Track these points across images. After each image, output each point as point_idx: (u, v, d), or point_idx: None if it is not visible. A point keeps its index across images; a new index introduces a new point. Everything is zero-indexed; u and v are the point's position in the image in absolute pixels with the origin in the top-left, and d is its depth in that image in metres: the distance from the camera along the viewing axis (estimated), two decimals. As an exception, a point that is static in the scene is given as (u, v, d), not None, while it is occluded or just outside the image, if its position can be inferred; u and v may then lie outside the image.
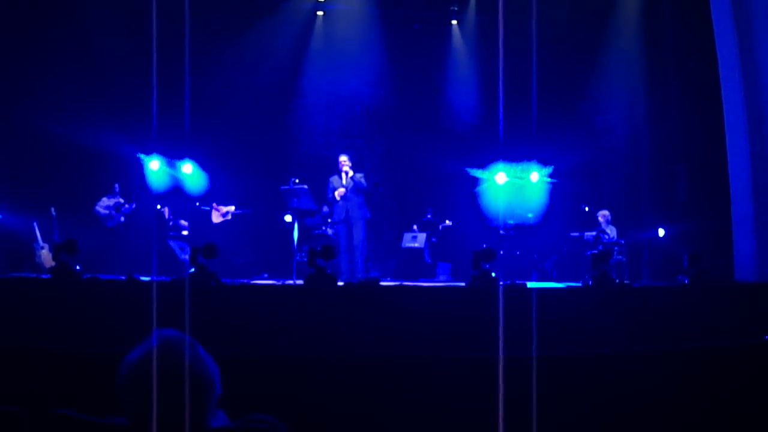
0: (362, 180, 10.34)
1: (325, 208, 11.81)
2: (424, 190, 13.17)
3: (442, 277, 11.91)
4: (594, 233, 11.34)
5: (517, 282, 8.25)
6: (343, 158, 10.52)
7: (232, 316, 5.66)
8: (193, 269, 7.32)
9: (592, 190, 12.53)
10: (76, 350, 3.48)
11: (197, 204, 12.04)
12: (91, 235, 10.38)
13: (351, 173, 10.34)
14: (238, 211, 12.00)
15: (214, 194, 12.07)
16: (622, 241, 11.30)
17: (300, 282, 8.60)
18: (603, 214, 11.49)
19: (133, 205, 11.32)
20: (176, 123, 9.83)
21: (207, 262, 7.27)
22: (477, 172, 12.49)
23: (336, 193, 10.33)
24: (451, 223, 12.64)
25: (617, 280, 9.11)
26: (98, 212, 11.31)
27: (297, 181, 10.40)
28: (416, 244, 12.14)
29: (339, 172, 10.41)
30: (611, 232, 11.36)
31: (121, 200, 11.36)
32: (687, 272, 7.91)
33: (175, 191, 11.99)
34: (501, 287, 7.28)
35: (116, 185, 11.42)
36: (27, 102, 11.21)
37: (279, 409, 2.18)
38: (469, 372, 3.41)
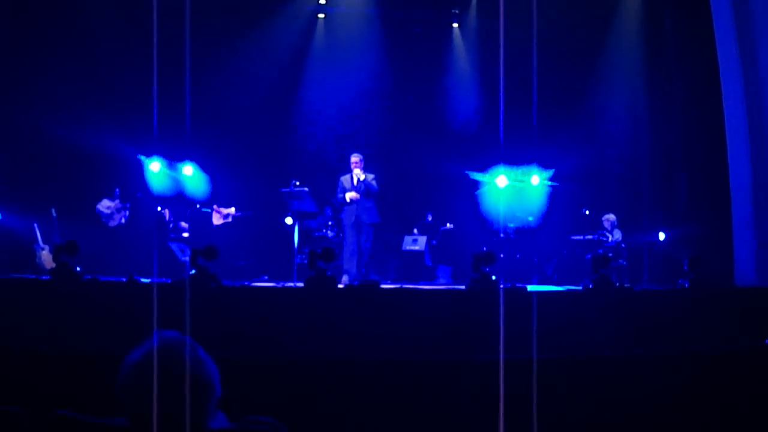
0: (373, 182, 9.86)
1: (328, 211, 11.79)
2: (424, 193, 13.18)
3: (442, 280, 11.90)
4: (594, 236, 11.33)
5: (518, 285, 8.26)
6: (355, 158, 9.98)
7: (232, 318, 5.66)
8: (193, 271, 7.31)
9: (593, 193, 12.53)
10: (76, 351, 3.48)
11: (198, 206, 12.04)
12: (92, 236, 10.38)
13: (363, 176, 9.83)
14: (238, 213, 12.00)
15: (214, 196, 12.07)
16: (623, 245, 11.30)
17: (300, 284, 8.61)
18: (608, 218, 11.47)
19: (127, 213, 11.34)
20: (177, 125, 9.77)
21: (207, 264, 7.26)
22: (477, 175, 12.49)
23: (347, 196, 9.82)
24: (451, 226, 12.65)
25: (617, 284, 9.10)
26: (100, 211, 11.32)
27: (298, 183, 10.40)
28: (417, 247, 12.15)
29: (350, 172, 9.91)
30: (617, 235, 11.35)
31: (121, 204, 11.39)
32: (687, 276, 7.90)
33: (176, 193, 11.99)
34: (501, 290, 7.27)
35: (117, 190, 11.43)
36: (28, 103, 11.23)
37: (279, 411, 2.18)
38: (469, 375, 3.41)
